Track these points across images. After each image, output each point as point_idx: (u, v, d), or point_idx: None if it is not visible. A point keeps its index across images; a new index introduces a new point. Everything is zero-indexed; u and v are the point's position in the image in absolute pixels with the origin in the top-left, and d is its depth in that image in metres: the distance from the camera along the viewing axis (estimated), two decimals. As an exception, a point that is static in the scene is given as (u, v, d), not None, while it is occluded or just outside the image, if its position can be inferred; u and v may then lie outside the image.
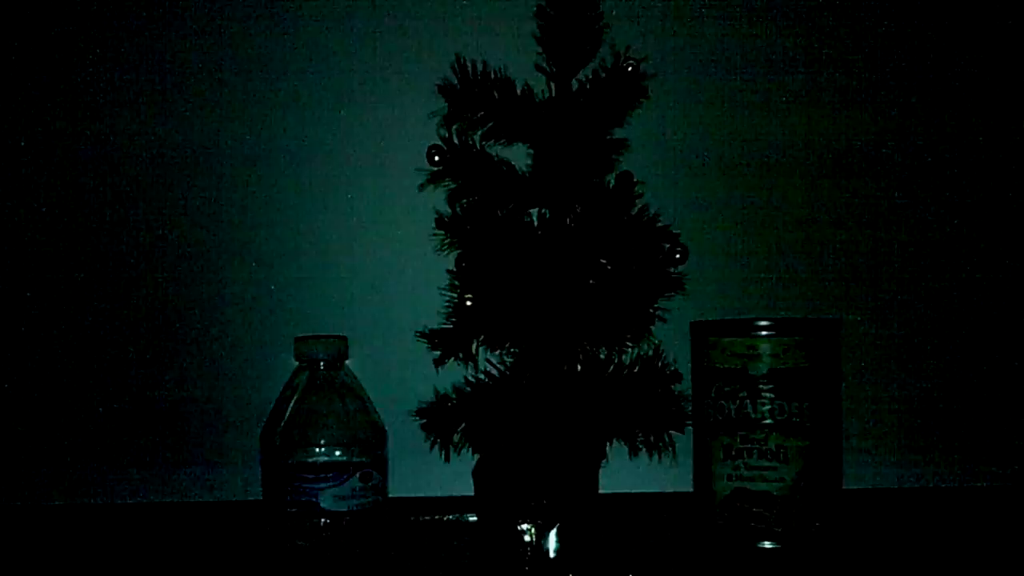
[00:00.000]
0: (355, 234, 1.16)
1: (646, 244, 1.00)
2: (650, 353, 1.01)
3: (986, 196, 1.18)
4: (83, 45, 1.16)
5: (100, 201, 1.17)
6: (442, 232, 1.01)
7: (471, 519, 1.11)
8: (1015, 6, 1.17)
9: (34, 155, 1.17)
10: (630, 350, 1.01)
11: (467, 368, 1.02)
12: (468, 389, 1.01)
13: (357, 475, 0.99)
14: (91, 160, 1.16)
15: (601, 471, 1.01)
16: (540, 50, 1.01)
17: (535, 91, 1.01)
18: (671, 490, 1.10)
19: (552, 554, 0.97)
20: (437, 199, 1.03)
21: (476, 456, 1.01)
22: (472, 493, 1.01)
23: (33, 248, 1.17)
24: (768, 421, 0.97)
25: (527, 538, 0.97)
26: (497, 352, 1.01)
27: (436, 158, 1.01)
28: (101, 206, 1.17)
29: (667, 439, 1.00)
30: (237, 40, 1.17)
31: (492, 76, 1.00)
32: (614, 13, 1.04)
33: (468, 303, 1.00)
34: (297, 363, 1.03)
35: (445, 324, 1.01)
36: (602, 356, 1.01)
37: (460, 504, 1.11)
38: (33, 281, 1.16)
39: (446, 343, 1.01)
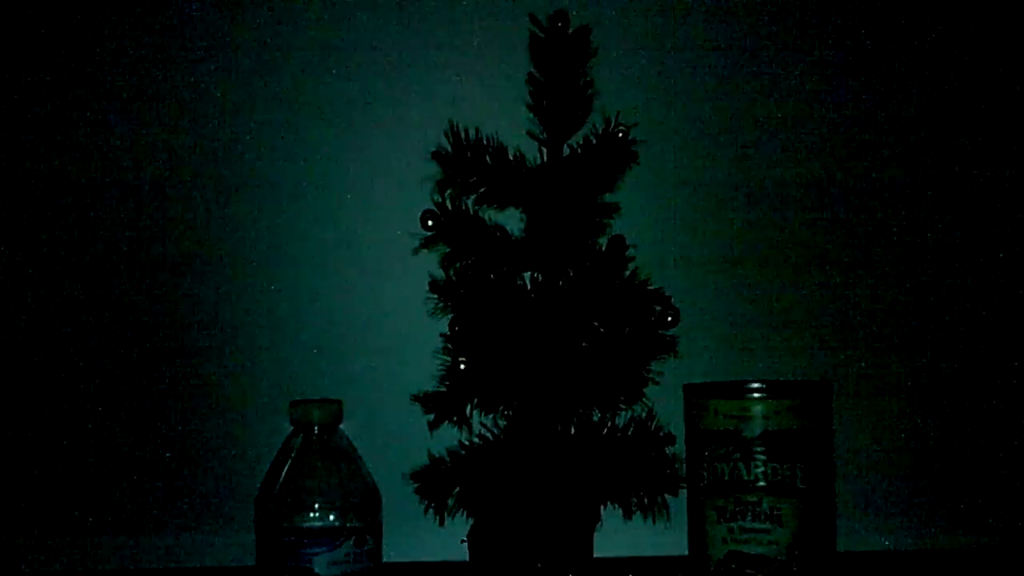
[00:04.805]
0: (350, 297, 1.17)
1: (638, 307, 1.01)
2: (643, 415, 1.01)
3: (976, 260, 1.19)
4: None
5: (95, 265, 1.17)
6: (436, 296, 1.02)
7: (466, 584, 1.10)
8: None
9: (32, 206, 1.18)
10: (623, 412, 1.01)
11: (461, 431, 1.02)
12: (462, 452, 1.01)
13: (351, 540, 0.99)
14: (89, 229, 1.17)
15: (595, 534, 1.01)
16: (532, 116, 1.02)
17: (527, 156, 1.02)
18: (666, 553, 1.10)
19: (547, 618, 0.97)
20: (431, 263, 1.03)
21: (471, 520, 1.01)
22: (467, 558, 1.01)
23: (27, 312, 1.17)
24: (762, 483, 0.97)
25: (522, 602, 0.97)
26: (491, 415, 1.02)
27: (430, 223, 1.01)
28: (95, 270, 1.17)
29: (661, 501, 1.00)
30: (233, 107, 1.18)
31: (484, 142, 1.01)
32: (604, 79, 1.05)
33: (462, 366, 1.00)
34: (292, 427, 1.03)
35: (439, 387, 1.02)
36: (596, 419, 1.01)
37: (455, 569, 1.10)
38: (28, 344, 1.17)
39: (440, 406, 1.01)
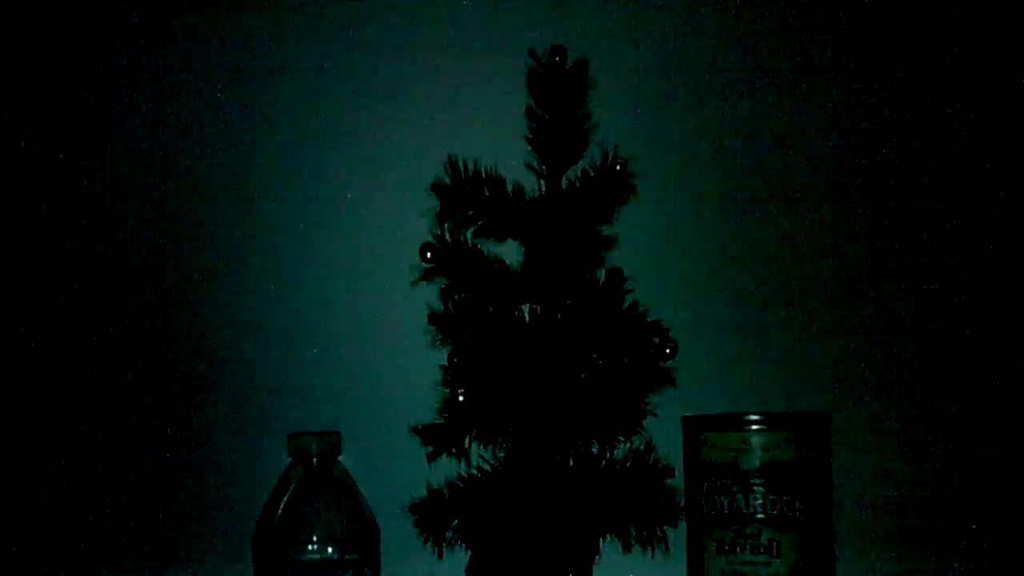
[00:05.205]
0: (349, 330, 1.17)
1: (636, 339, 1.01)
2: (642, 447, 1.01)
3: (977, 293, 1.19)
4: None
5: (94, 297, 1.18)
6: (435, 328, 1.02)
7: (465, 617, 1.10)
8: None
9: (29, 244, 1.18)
10: (622, 444, 1.01)
11: (460, 463, 1.02)
12: (461, 484, 1.01)
13: (349, 572, 0.99)
14: (84, 268, 1.18)
15: (594, 567, 1.00)
16: (531, 149, 1.03)
17: (526, 189, 1.03)
18: (665, 586, 1.10)
19: (546, 652, 0.96)
20: (430, 295, 1.04)
21: (469, 553, 1.01)
22: (465, 590, 1.01)
23: (27, 346, 1.17)
24: (761, 515, 0.97)
25: (521, 636, 0.96)
26: (490, 447, 1.02)
27: (428, 255, 1.02)
28: (95, 302, 1.18)
29: (660, 534, 1.00)
30: (230, 139, 1.19)
31: (483, 175, 1.02)
32: (602, 111, 1.06)
33: (460, 398, 1.00)
34: (290, 459, 1.03)
35: (438, 419, 1.02)
36: (594, 451, 1.01)
37: (454, 602, 1.11)
38: (23, 376, 1.17)
39: (439, 438, 1.01)
